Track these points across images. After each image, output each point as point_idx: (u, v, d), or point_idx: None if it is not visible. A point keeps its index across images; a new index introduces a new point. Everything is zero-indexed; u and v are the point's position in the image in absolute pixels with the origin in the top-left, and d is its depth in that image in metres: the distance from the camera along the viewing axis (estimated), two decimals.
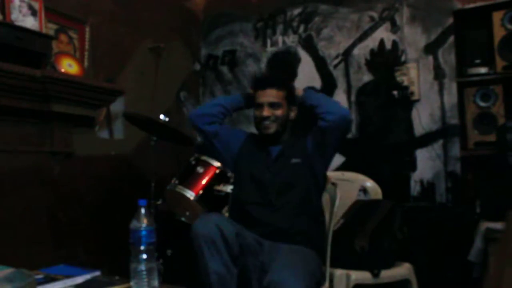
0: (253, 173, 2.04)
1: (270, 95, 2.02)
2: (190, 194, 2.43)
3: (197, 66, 3.80)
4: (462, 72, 2.80)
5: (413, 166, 2.98)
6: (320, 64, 3.34)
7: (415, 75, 3.00)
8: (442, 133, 2.92)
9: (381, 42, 3.12)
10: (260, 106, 2.03)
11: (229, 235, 1.64)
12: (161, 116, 2.56)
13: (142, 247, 1.20)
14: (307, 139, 2.07)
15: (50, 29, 2.54)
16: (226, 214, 2.52)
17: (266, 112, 2.00)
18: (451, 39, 2.89)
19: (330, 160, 2.10)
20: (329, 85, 3.28)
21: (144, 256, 1.20)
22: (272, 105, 2.01)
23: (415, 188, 2.97)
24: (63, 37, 2.66)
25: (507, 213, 1.33)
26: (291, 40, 3.46)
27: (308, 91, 2.13)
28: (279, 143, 2.09)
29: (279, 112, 2.02)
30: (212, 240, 1.61)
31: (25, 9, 2.28)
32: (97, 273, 1.46)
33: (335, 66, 3.28)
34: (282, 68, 3.47)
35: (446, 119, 2.91)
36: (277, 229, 1.88)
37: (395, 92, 3.04)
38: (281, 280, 1.54)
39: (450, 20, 2.89)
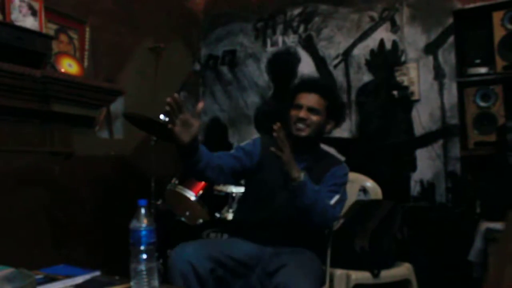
0: (266, 188, 1.90)
1: (313, 99, 1.90)
2: (190, 194, 2.44)
3: (197, 66, 3.80)
4: (462, 72, 2.80)
5: (413, 166, 2.98)
6: (320, 64, 3.34)
7: (415, 75, 3.00)
8: (442, 133, 2.92)
9: (381, 42, 3.12)
10: (298, 107, 1.91)
11: (202, 271, 1.62)
12: (161, 116, 2.56)
13: (142, 247, 1.20)
14: (329, 172, 1.91)
15: (50, 29, 2.54)
16: (226, 214, 2.52)
17: (303, 113, 1.88)
18: (451, 39, 2.90)
19: None
20: None
21: (144, 256, 1.20)
22: (311, 110, 1.89)
23: (415, 188, 2.97)
24: (63, 37, 2.66)
25: (507, 213, 1.33)
26: (291, 40, 3.46)
27: (305, 183, 1.73)
28: (305, 159, 1.89)
29: (315, 118, 1.89)
30: (184, 275, 1.61)
31: (25, 9, 2.28)
32: (97, 273, 1.45)
33: (335, 66, 3.28)
34: (282, 68, 3.48)
35: (446, 119, 2.91)
36: (278, 238, 1.84)
37: (395, 92, 3.04)
38: (289, 282, 1.53)
39: (450, 20, 2.89)
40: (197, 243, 1.79)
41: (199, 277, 1.62)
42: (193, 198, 2.42)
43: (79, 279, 1.39)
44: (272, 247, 1.81)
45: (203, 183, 2.53)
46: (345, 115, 2.10)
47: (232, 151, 1.97)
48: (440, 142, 2.92)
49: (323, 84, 2.06)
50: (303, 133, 1.88)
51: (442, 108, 2.93)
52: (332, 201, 1.83)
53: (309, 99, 1.91)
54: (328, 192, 1.84)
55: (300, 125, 1.88)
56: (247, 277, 1.74)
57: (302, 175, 1.72)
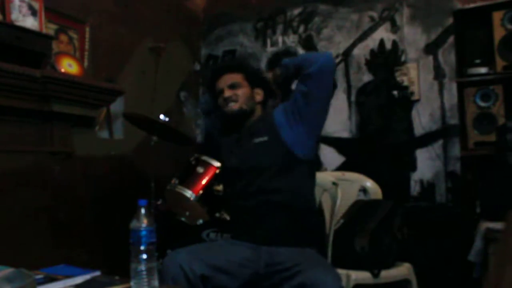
0: (223, 162, 2.01)
1: (228, 78, 1.94)
2: (190, 194, 2.43)
3: (197, 66, 3.80)
4: (462, 72, 2.80)
5: (413, 166, 2.98)
6: None
7: (415, 75, 3.00)
8: (442, 133, 2.92)
9: (381, 42, 3.12)
10: (220, 92, 1.95)
11: (192, 276, 1.61)
12: (161, 116, 2.56)
13: (142, 247, 1.20)
14: (275, 111, 1.93)
15: (50, 29, 2.54)
16: (226, 214, 2.52)
17: (227, 93, 1.91)
18: (451, 39, 2.90)
19: (320, 120, 1.90)
20: None
21: (144, 256, 1.20)
22: (232, 86, 1.92)
23: (415, 188, 2.97)
24: (63, 37, 2.66)
25: (507, 213, 1.33)
26: (291, 40, 3.46)
27: (283, 61, 1.95)
28: (255, 129, 1.92)
29: (240, 92, 1.91)
30: (175, 279, 1.60)
31: (25, 9, 2.28)
32: (97, 273, 1.45)
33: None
34: None
35: (446, 119, 2.91)
36: (270, 234, 1.77)
37: (395, 92, 3.04)
38: (316, 280, 1.47)
39: (450, 20, 2.89)
40: (191, 248, 1.77)
41: (189, 281, 1.61)
42: (193, 198, 2.42)
43: (79, 279, 1.39)
44: (267, 246, 1.75)
45: (203, 183, 2.53)
46: (267, 80, 2.03)
47: None
48: (440, 142, 2.92)
49: (229, 61, 2.15)
50: (235, 107, 1.90)
51: (442, 108, 2.93)
52: None
53: (225, 80, 1.94)
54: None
55: (230, 103, 1.91)
56: (249, 276, 1.71)
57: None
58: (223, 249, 1.80)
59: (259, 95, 1.97)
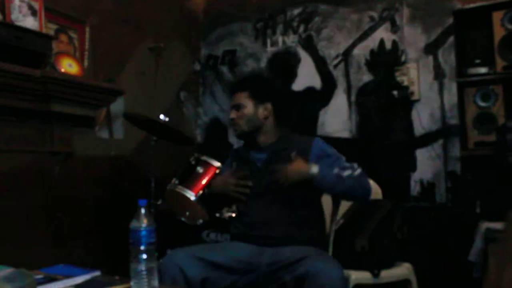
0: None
1: (236, 98, 1.98)
2: (190, 194, 2.43)
3: (197, 66, 3.80)
4: (462, 72, 2.80)
5: (413, 166, 2.98)
6: (320, 64, 3.34)
7: (415, 75, 3.00)
8: (442, 133, 2.92)
9: (381, 42, 3.12)
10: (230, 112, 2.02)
11: (190, 276, 1.63)
12: (161, 116, 2.56)
13: (142, 247, 1.20)
14: (311, 153, 1.92)
15: (50, 29, 2.54)
16: (226, 214, 2.52)
17: (231, 114, 1.98)
18: (451, 39, 2.89)
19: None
20: (329, 85, 3.28)
21: (144, 256, 1.20)
22: (236, 107, 1.96)
23: (415, 188, 2.97)
24: (63, 37, 2.67)
25: (507, 213, 1.33)
26: (291, 40, 3.46)
27: (323, 172, 1.82)
28: (262, 149, 1.97)
29: (240, 113, 1.94)
30: (174, 279, 1.61)
31: (25, 9, 2.28)
32: (97, 273, 1.45)
33: (335, 66, 3.28)
34: (282, 68, 3.47)
35: (446, 119, 2.91)
36: (276, 239, 1.81)
37: (395, 92, 3.04)
38: (318, 269, 1.50)
39: (450, 20, 2.88)
40: (190, 248, 1.78)
41: (188, 281, 1.61)
42: (193, 198, 2.42)
43: (79, 279, 1.39)
44: (270, 248, 1.78)
45: (203, 183, 2.53)
46: (274, 90, 2.04)
47: None
48: (440, 142, 2.92)
49: (236, 80, 2.23)
50: (238, 130, 1.97)
51: (442, 108, 2.93)
52: (356, 172, 1.89)
53: (234, 99, 1.99)
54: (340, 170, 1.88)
55: (234, 127, 1.99)
56: (252, 273, 1.72)
57: (315, 170, 1.78)
58: (223, 248, 1.82)
59: (266, 110, 1.96)
